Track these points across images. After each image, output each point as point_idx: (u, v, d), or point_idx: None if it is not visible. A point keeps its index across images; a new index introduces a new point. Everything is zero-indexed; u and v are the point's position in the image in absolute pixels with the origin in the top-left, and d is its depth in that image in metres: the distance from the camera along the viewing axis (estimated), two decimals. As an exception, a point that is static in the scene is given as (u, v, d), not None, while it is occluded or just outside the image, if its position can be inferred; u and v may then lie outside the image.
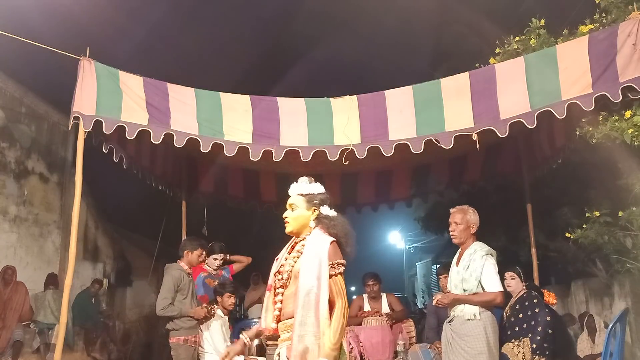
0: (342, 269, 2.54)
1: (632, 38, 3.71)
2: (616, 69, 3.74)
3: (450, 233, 3.92)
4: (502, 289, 3.73)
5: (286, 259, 2.67)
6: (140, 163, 5.37)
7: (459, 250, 3.97)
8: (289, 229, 2.69)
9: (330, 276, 2.51)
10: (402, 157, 4.48)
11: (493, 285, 3.69)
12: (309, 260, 2.54)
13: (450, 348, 3.80)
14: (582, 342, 6.35)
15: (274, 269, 2.71)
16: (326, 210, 2.68)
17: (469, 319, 3.70)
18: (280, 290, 2.62)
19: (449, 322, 3.86)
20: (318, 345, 2.39)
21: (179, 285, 4.50)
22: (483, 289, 3.71)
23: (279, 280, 2.64)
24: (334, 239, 2.59)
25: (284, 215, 2.72)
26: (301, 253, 2.62)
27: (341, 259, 2.56)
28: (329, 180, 6.22)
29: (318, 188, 2.71)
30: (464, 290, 3.76)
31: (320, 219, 2.66)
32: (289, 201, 2.72)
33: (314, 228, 2.65)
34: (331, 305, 2.48)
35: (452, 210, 3.94)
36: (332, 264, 2.51)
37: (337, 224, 2.65)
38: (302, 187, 2.70)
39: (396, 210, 7.67)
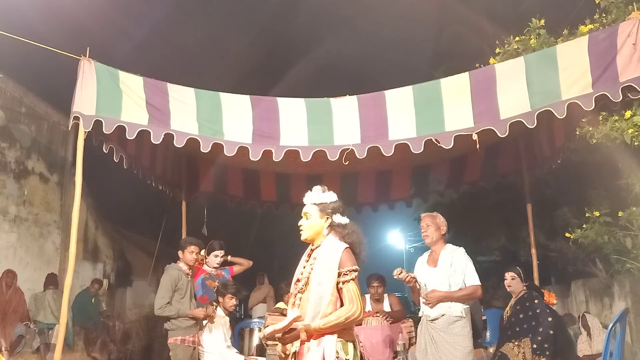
0: (354, 275, 2.59)
1: (632, 38, 3.71)
2: (616, 69, 3.74)
3: (423, 234, 4.17)
4: (480, 283, 3.98)
5: (304, 267, 2.76)
6: (141, 163, 5.37)
7: (430, 252, 4.18)
8: (303, 236, 2.80)
9: (343, 283, 2.56)
10: (402, 157, 4.48)
11: (475, 279, 3.95)
12: (320, 267, 2.62)
13: (435, 347, 3.90)
14: (582, 343, 6.34)
15: (295, 276, 2.81)
16: (339, 218, 2.76)
17: (457, 317, 3.86)
18: (299, 295, 2.71)
19: (432, 320, 3.94)
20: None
21: (176, 285, 4.51)
22: (465, 284, 3.95)
23: (296, 286, 2.74)
24: (348, 246, 2.66)
25: (299, 224, 2.81)
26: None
27: (354, 265, 2.62)
28: (329, 180, 6.22)
29: (331, 197, 2.80)
30: (450, 286, 3.93)
31: (333, 227, 2.75)
32: (304, 210, 2.82)
33: (327, 235, 2.74)
34: None
35: (422, 215, 4.24)
36: (344, 271, 2.57)
37: (350, 231, 2.73)
38: (316, 197, 2.80)
39: (396, 210, 7.65)
